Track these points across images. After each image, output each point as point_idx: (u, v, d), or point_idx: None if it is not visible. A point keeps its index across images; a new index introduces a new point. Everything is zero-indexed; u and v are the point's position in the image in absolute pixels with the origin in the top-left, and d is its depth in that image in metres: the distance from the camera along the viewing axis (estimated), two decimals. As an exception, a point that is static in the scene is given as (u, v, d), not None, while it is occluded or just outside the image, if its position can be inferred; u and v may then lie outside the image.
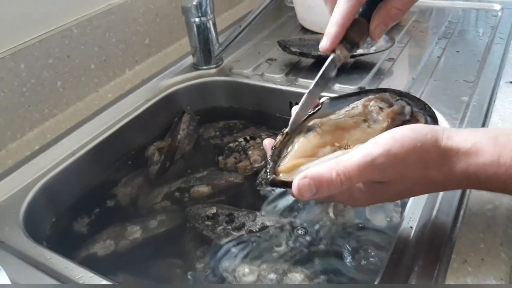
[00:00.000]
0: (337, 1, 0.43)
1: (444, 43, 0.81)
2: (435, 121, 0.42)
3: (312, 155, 0.40)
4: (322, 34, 0.88)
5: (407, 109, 0.43)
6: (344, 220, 0.55)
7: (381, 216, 0.54)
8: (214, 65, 0.81)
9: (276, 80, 0.75)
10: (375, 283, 0.40)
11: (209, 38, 0.78)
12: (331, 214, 0.56)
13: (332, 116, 0.43)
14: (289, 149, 0.41)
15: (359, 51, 0.75)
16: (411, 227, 0.44)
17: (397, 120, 0.42)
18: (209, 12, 0.76)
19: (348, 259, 0.50)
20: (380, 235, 0.52)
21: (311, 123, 0.43)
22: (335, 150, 0.40)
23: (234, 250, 0.53)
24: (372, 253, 0.50)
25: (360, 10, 0.44)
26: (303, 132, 0.42)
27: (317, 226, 0.54)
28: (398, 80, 0.70)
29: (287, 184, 0.37)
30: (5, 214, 0.53)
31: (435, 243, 0.42)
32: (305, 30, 0.93)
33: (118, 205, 0.63)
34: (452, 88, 0.66)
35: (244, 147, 0.68)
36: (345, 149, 0.40)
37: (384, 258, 0.43)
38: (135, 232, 0.58)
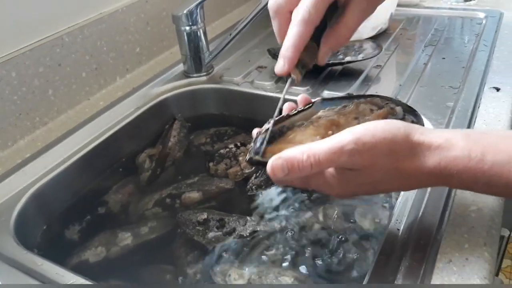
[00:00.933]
0: (291, 24, 0.43)
1: (430, 50, 0.82)
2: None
3: (300, 143, 0.42)
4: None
5: (398, 109, 0.44)
6: (333, 224, 0.55)
7: (369, 219, 0.55)
8: (205, 73, 0.82)
9: (266, 87, 0.76)
10: (364, 283, 0.41)
11: (199, 46, 0.79)
12: (321, 218, 0.57)
13: (326, 113, 0.45)
14: (282, 136, 0.44)
15: (347, 58, 0.77)
16: (398, 229, 0.45)
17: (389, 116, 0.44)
18: (199, 20, 0.77)
19: (337, 261, 0.51)
20: (369, 237, 0.53)
21: (311, 116, 0.45)
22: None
23: (224, 254, 0.53)
24: (361, 255, 0.51)
25: None
26: (296, 122, 0.44)
27: (307, 230, 0.55)
28: (385, 87, 0.72)
29: (263, 164, 0.40)
30: (-5, 221, 0.53)
31: (421, 244, 0.43)
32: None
33: (109, 212, 0.63)
34: (438, 94, 0.68)
35: (234, 153, 0.69)
36: None
37: (372, 259, 0.43)
38: (126, 238, 0.58)
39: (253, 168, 0.65)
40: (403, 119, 0.44)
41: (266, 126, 0.44)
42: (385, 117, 0.44)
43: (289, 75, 0.44)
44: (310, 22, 0.42)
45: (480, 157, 0.36)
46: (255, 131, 0.45)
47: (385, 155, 0.37)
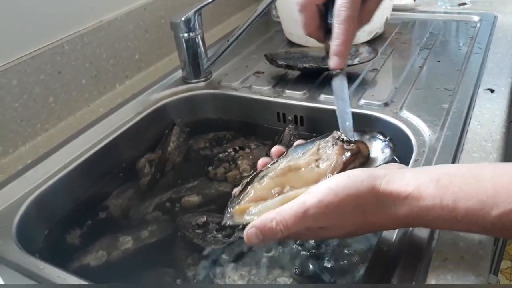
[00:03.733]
0: (337, 22, 0.47)
1: (425, 53, 0.83)
2: (390, 142, 0.45)
3: (263, 198, 0.44)
4: (307, 47, 0.90)
5: (350, 136, 0.46)
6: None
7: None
8: (203, 79, 0.83)
9: (263, 92, 0.77)
10: (360, 282, 0.42)
11: (198, 53, 0.80)
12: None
13: (286, 160, 0.47)
14: (245, 193, 0.46)
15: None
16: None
17: (345, 153, 0.44)
18: (197, 27, 0.78)
19: (335, 261, 0.51)
20: (364, 237, 0.54)
21: (268, 169, 0.47)
22: (283, 192, 0.44)
23: (224, 256, 0.54)
24: (357, 255, 0.51)
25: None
26: (260, 178, 0.46)
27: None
28: (381, 90, 0.73)
29: (235, 227, 0.44)
30: (-2, 227, 0.54)
31: (416, 243, 0.43)
32: (291, 43, 0.95)
33: (110, 216, 0.63)
34: (433, 96, 0.69)
35: (233, 157, 0.69)
36: (293, 190, 0.44)
37: (368, 258, 0.44)
38: (127, 242, 0.59)
39: (252, 171, 0.66)
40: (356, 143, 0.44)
41: (239, 188, 0.47)
42: (342, 151, 0.44)
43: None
44: (353, 18, 0.46)
45: (452, 205, 0.35)
46: (234, 191, 0.47)
47: (351, 211, 0.38)
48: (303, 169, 0.45)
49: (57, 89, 0.72)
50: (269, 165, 0.47)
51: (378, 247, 0.44)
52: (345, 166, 0.43)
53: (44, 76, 0.69)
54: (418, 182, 0.37)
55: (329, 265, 0.51)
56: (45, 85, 0.70)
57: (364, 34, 0.89)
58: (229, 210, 0.45)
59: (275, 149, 0.49)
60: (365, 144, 0.44)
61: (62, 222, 0.62)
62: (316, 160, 0.45)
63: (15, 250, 0.51)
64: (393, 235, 0.45)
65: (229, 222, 0.44)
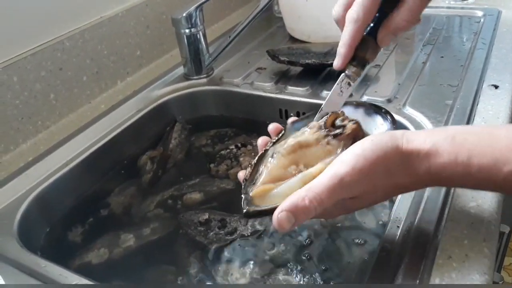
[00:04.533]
0: (345, 23, 0.46)
1: (429, 49, 0.83)
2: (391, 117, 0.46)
3: (279, 177, 0.42)
4: (310, 43, 0.90)
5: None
6: (334, 223, 0.56)
7: (370, 218, 0.55)
8: (205, 75, 0.82)
9: (265, 88, 0.77)
10: (365, 280, 0.41)
11: (199, 49, 0.80)
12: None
13: (294, 137, 0.45)
14: (258, 175, 0.43)
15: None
16: (398, 226, 0.45)
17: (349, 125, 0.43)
18: (198, 23, 0.77)
19: (339, 259, 0.51)
20: (369, 235, 0.53)
21: (275, 147, 0.44)
22: (300, 170, 0.42)
23: (226, 254, 0.54)
24: (362, 253, 0.51)
25: (368, 29, 0.47)
26: (269, 157, 0.44)
27: (307, 229, 0.55)
28: (384, 86, 0.72)
29: (262, 213, 0.40)
30: (-1, 224, 0.54)
31: (421, 241, 0.43)
32: (293, 39, 0.94)
33: (112, 214, 0.63)
34: (436, 92, 0.68)
35: (235, 154, 0.69)
36: (308, 168, 0.42)
37: (373, 257, 0.44)
38: (129, 240, 0.58)
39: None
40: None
41: (249, 169, 0.44)
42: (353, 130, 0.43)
43: (343, 70, 0.48)
44: (359, 20, 0.45)
45: (466, 162, 0.36)
46: (240, 175, 0.45)
47: (383, 176, 0.38)
48: (313, 145, 0.43)
49: (58, 85, 0.71)
50: (271, 144, 0.45)
51: (382, 245, 0.44)
52: (353, 138, 0.42)
53: (45, 72, 0.69)
54: (434, 140, 0.37)
55: (333, 262, 0.51)
56: (46, 82, 0.69)
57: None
58: (247, 196, 0.41)
59: (273, 126, 0.48)
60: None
61: (64, 220, 0.62)
62: (325, 136, 0.43)
63: (16, 248, 0.51)
64: (397, 232, 0.45)
65: (252, 209, 0.40)
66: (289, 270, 0.51)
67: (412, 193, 0.49)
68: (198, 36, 0.78)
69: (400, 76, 0.74)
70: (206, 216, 0.58)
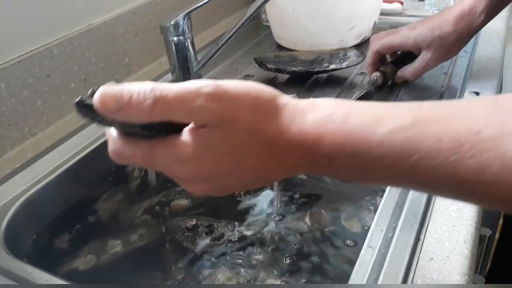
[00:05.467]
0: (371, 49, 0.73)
1: (413, 57, 0.84)
2: None
3: None
4: (297, 51, 0.91)
5: None
6: (320, 227, 0.56)
7: (355, 221, 0.56)
8: (193, 82, 0.83)
9: (253, 95, 0.78)
10: (349, 282, 0.42)
11: (187, 56, 0.80)
12: (308, 222, 0.58)
13: None
14: None
15: (332, 66, 0.79)
16: (382, 230, 0.46)
17: None
18: (187, 31, 0.78)
19: (325, 262, 0.52)
20: (353, 238, 0.54)
21: None
22: None
23: (214, 259, 0.54)
24: (347, 256, 0.52)
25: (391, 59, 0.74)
26: None
27: (294, 234, 0.56)
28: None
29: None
30: (-15, 231, 0.54)
31: (403, 243, 0.44)
32: (281, 47, 0.96)
33: (99, 220, 0.63)
34: (420, 99, 0.69)
35: (223, 160, 0.70)
36: None
37: (357, 259, 0.44)
38: (116, 246, 0.58)
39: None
40: None
41: None
42: None
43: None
44: (374, 54, 0.72)
45: (342, 119, 0.30)
46: None
47: (248, 109, 0.30)
48: None
49: (46, 92, 0.71)
50: None
51: (366, 247, 0.44)
52: None
53: (33, 79, 0.69)
54: (320, 100, 0.32)
55: (319, 265, 0.51)
56: (33, 89, 0.69)
57: (353, 38, 0.90)
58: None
59: None
60: None
61: (51, 226, 0.62)
62: None
63: (3, 255, 0.50)
64: (380, 235, 0.46)
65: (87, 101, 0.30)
66: (276, 274, 0.51)
67: (395, 198, 0.50)
68: (186, 44, 0.79)
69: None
70: (193, 222, 0.59)
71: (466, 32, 0.66)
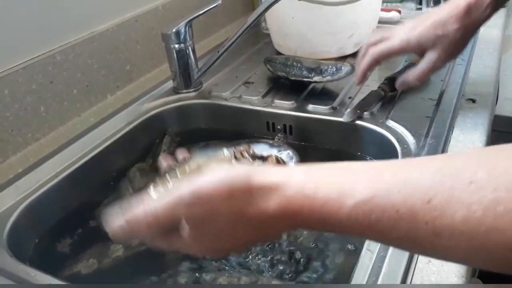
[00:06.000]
0: (365, 56, 0.68)
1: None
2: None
3: None
4: (302, 57, 0.92)
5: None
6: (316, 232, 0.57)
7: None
8: (194, 89, 0.84)
9: (253, 102, 0.79)
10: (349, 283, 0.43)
11: (188, 63, 0.82)
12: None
13: (196, 162, 0.43)
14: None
15: (327, 77, 0.80)
16: (380, 233, 0.47)
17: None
18: (188, 38, 0.79)
19: (323, 266, 0.52)
20: (353, 242, 0.55)
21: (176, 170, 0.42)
22: None
23: (214, 263, 0.55)
24: (348, 258, 0.52)
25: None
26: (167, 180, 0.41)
27: (294, 238, 0.57)
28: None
29: None
30: (-12, 235, 0.54)
31: (402, 247, 0.45)
32: (280, 55, 0.97)
33: (101, 225, 0.64)
34: (417, 106, 0.71)
35: (223, 166, 0.70)
36: None
37: (355, 262, 0.45)
38: (118, 250, 0.59)
39: None
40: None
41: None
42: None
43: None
44: (372, 60, 0.68)
45: (312, 194, 0.32)
46: None
47: (224, 201, 0.34)
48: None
49: (49, 98, 0.72)
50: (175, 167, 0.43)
51: (366, 250, 0.45)
52: None
53: (36, 85, 0.70)
54: (291, 172, 0.34)
55: (318, 270, 0.52)
56: (36, 95, 0.70)
57: (351, 46, 0.91)
58: None
59: (179, 152, 0.49)
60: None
61: (53, 231, 0.62)
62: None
63: (6, 258, 0.51)
64: (379, 239, 0.47)
65: None
66: (276, 278, 0.52)
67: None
68: (188, 51, 0.80)
69: (383, 90, 0.77)
70: (194, 226, 0.59)
71: (471, 27, 0.61)
